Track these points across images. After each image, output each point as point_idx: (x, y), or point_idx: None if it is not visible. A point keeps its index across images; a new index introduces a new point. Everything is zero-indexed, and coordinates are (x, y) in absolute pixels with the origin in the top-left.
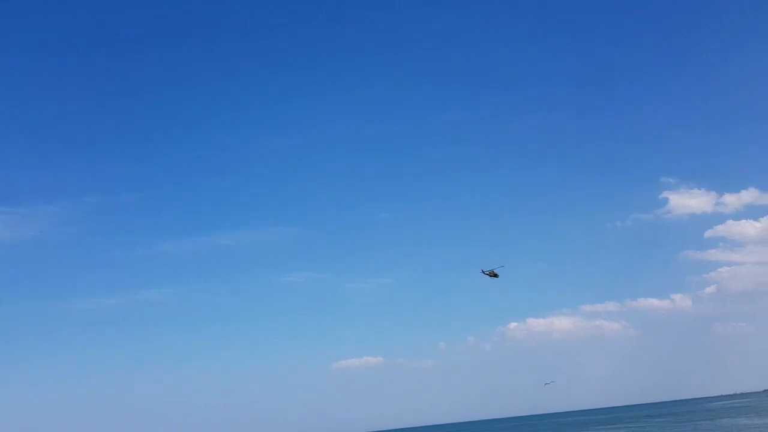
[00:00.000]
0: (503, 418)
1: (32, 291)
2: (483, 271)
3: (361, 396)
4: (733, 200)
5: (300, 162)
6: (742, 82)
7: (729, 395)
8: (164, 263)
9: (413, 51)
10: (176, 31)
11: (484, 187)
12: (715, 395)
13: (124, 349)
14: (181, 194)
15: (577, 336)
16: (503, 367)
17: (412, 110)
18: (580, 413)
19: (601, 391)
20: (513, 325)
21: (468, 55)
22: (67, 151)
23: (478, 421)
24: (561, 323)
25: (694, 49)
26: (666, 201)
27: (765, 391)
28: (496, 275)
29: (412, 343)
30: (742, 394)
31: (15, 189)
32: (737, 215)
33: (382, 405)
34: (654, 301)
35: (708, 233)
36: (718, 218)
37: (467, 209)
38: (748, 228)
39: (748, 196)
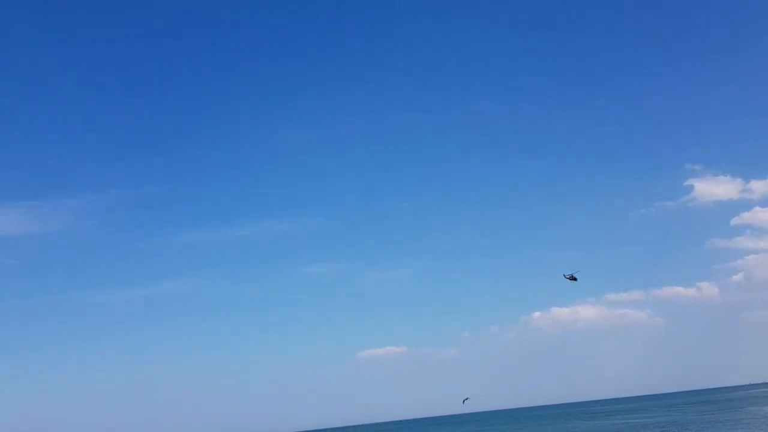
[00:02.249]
0: (527, 408)
1: (56, 283)
2: (564, 275)
3: (385, 385)
4: (759, 186)
5: (321, 153)
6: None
7: (758, 384)
8: (186, 255)
9: (433, 43)
10: (197, 27)
11: (506, 176)
12: (744, 384)
13: (146, 340)
14: (204, 186)
15: (601, 325)
16: (527, 356)
17: (433, 101)
18: (605, 402)
19: (626, 380)
20: (537, 314)
21: (489, 47)
22: (90, 146)
23: (503, 410)
24: (585, 312)
25: (719, 33)
26: (691, 188)
27: None
28: (575, 279)
29: (436, 332)
30: None
31: (39, 183)
32: (764, 202)
33: (406, 394)
34: (680, 290)
35: (734, 220)
36: (745, 205)
37: (490, 198)
38: None
39: None
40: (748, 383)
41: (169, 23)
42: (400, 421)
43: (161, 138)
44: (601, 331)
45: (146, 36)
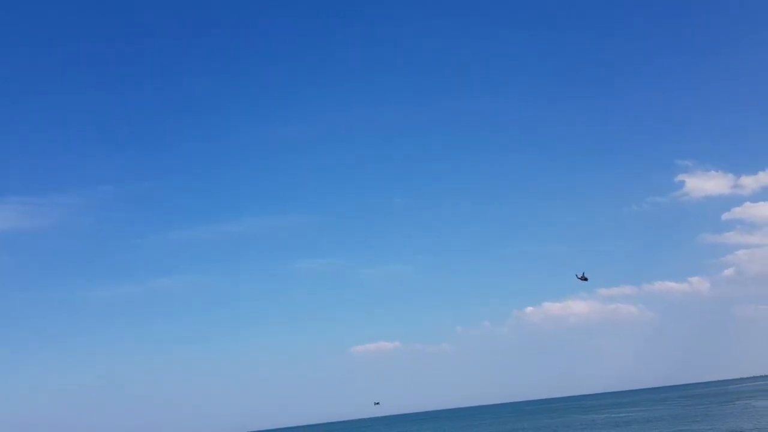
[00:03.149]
0: (521, 402)
1: (49, 279)
2: (576, 276)
3: (378, 380)
4: (750, 182)
5: (315, 149)
6: (758, 63)
7: (749, 378)
8: (180, 251)
9: (431, 40)
10: (193, 23)
11: (498, 172)
12: (735, 378)
13: (141, 336)
14: (196, 182)
15: (593, 320)
16: (520, 350)
17: (428, 98)
18: (597, 397)
19: (619, 374)
20: (529, 309)
21: (483, 45)
22: (81, 142)
23: (496, 404)
24: (577, 307)
25: (710, 31)
26: (682, 184)
27: None
28: (586, 279)
29: (429, 327)
30: (762, 376)
31: (31, 180)
32: (755, 197)
33: (399, 389)
34: (671, 284)
35: (725, 216)
36: (736, 200)
37: (482, 194)
38: (766, 210)
39: (766, 177)
40: (739, 377)
41: (164, 20)
42: (394, 415)
43: (155, 134)
44: (593, 325)
45: (141, 33)
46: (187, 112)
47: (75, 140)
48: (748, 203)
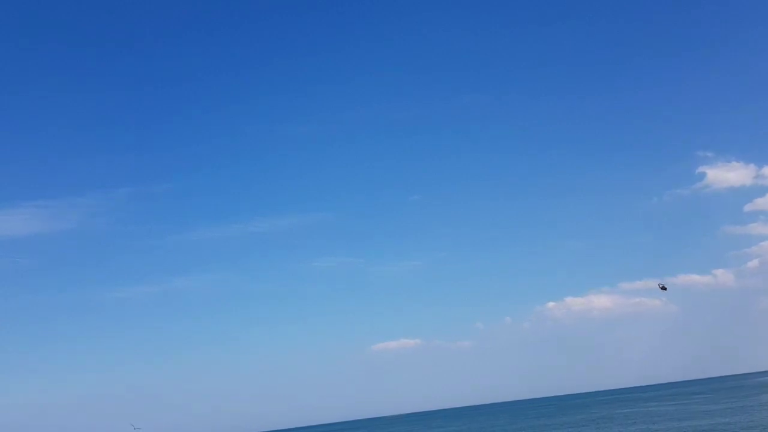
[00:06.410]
0: (542, 398)
1: (68, 281)
2: (659, 285)
3: (399, 378)
4: None
5: (329, 148)
6: None
7: None
8: (197, 251)
9: (443, 36)
10: (201, 21)
11: (518, 167)
12: (761, 370)
13: (159, 336)
14: (213, 182)
15: (616, 314)
16: (542, 346)
17: (439, 93)
18: (621, 392)
19: (643, 369)
20: (551, 304)
21: (499, 40)
22: (98, 145)
23: (518, 401)
24: (600, 301)
25: (729, 20)
26: (703, 175)
27: None
28: (665, 288)
29: (449, 324)
30: None
31: (49, 183)
32: None
33: (420, 387)
34: (695, 277)
35: (747, 207)
36: (758, 191)
37: (503, 190)
38: None
39: None
40: (764, 369)
41: (176, 19)
42: (415, 413)
43: (170, 135)
44: (616, 319)
45: (153, 33)
46: (203, 112)
47: (91, 142)
48: None
